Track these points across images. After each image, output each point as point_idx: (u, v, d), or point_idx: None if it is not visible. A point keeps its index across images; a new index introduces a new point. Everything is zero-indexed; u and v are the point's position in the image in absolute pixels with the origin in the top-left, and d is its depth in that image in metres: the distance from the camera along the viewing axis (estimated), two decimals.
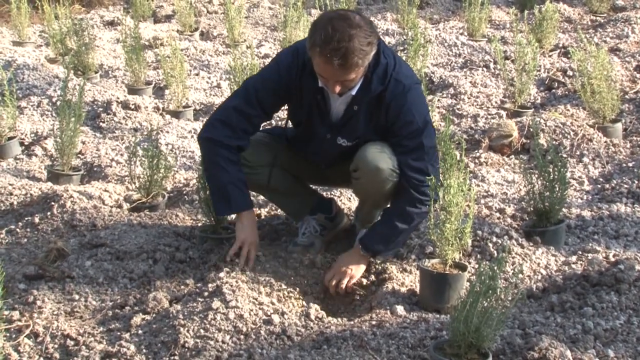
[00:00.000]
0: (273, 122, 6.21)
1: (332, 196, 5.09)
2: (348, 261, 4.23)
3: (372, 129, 4.16)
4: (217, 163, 4.21)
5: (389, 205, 4.30)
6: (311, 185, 4.79)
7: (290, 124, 4.54)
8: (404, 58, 7.68)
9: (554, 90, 7.58)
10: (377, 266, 4.31)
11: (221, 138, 4.18)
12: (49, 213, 4.96)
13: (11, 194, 5.41)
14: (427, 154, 4.09)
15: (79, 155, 6.39)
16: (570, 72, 7.73)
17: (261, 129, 4.47)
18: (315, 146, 4.35)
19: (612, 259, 4.28)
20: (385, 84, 4.04)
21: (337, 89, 3.94)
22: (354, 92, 4.04)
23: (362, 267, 4.24)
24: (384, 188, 4.11)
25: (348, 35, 3.75)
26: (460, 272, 3.90)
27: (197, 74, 8.72)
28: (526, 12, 9.07)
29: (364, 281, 4.26)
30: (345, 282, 4.16)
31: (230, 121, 4.19)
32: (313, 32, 3.86)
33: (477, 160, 6.12)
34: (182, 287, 4.13)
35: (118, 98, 7.49)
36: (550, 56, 8.43)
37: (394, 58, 4.10)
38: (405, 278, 4.20)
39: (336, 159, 4.38)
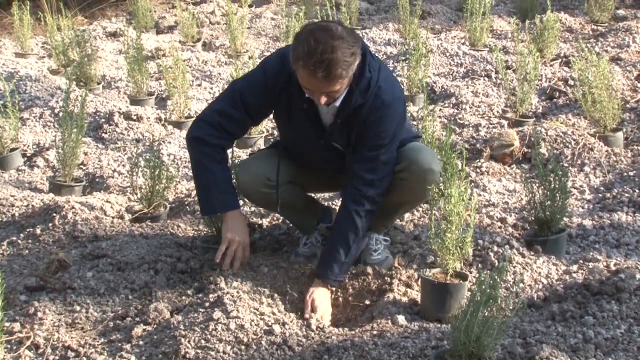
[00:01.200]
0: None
1: (329, 205, 5.09)
2: (319, 299, 4.14)
3: (354, 139, 4.16)
4: (202, 163, 4.23)
5: (339, 217, 4.27)
6: (312, 194, 4.78)
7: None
8: (405, 68, 7.74)
9: (555, 100, 7.58)
10: (378, 277, 4.31)
11: (205, 137, 4.18)
12: (50, 224, 4.97)
13: (13, 205, 5.42)
14: (380, 168, 4.12)
15: (81, 166, 6.41)
16: (571, 82, 7.73)
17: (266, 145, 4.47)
18: (313, 152, 4.33)
19: (613, 268, 4.27)
20: (367, 97, 4.02)
21: (323, 100, 3.92)
22: (337, 104, 4.02)
23: (328, 298, 4.20)
24: (429, 190, 4.09)
25: (331, 47, 3.72)
26: (461, 281, 3.90)
27: (199, 85, 8.74)
28: (527, 21, 9.07)
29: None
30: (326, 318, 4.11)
31: (214, 121, 4.19)
32: (295, 45, 3.83)
33: (478, 170, 6.12)
34: (183, 297, 4.13)
35: (120, 109, 7.51)
36: (551, 65, 8.43)
37: (378, 72, 4.06)
38: (406, 288, 4.20)
39: (339, 164, 4.34)
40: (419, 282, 4.12)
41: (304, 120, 4.18)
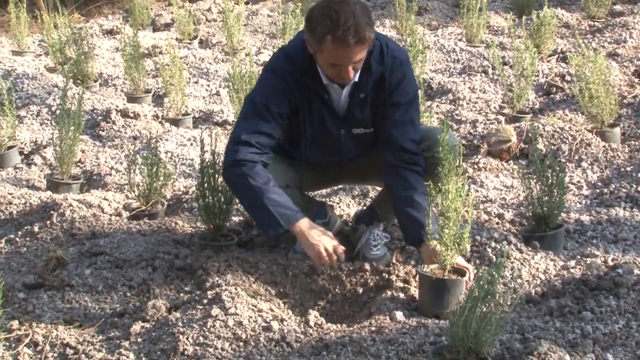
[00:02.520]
0: None
1: (322, 200, 5.09)
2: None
3: (382, 111, 4.21)
4: (249, 186, 4.04)
5: (399, 187, 4.19)
6: (308, 191, 4.78)
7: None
8: None
9: (552, 95, 7.59)
10: (376, 273, 4.32)
11: (245, 157, 4.08)
12: (48, 222, 4.97)
13: (10, 203, 5.41)
14: (415, 127, 4.22)
15: (79, 164, 6.40)
16: (568, 77, 7.74)
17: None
18: (333, 146, 4.33)
19: (611, 263, 4.28)
20: (384, 64, 4.13)
21: (352, 73, 3.99)
22: (356, 78, 4.09)
23: None
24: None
25: (352, 13, 3.83)
26: (459, 277, 3.91)
27: (196, 82, 8.73)
28: (524, 17, 9.09)
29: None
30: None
31: (249, 141, 4.11)
32: (314, 25, 3.90)
33: (476, 166, 6.13)
34: (181, 294, 4.13)
35: (117, 106, 7.50)
36: (548, 61, 8.44)
37: (384, 38, 4.23)
38: (404, 284, 4.20)
39: (355, 153, 4.38)
40: (417, 278, 4.12)
41: (323, 111, 4.21)
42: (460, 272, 3.94)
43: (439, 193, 3.83)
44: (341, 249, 4.08)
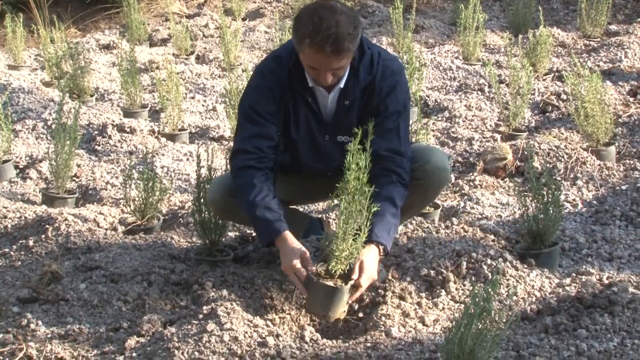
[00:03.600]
0: None
1: (319, 216, 5.09)
2: (374, 264, 3.95)
3: (368, 119, 4.14)
4: (243, 200, 4.07)
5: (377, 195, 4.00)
6: (300, 207, 4.78)
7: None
8: None
9: (548, 114, 7.61)
10: (372, 289, 4.31)
11: (242, 163, 4.11)
12: (43, 236, 4.96)
13: (5, 217, 5.41)
14: (401, 135, 4.17)
15: (74, 178, 6.40)
16: (564, 96, 7.77)
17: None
18: (317, 153, 4.32)
19: (606, 281, 4.28)
20: (374, 72, 4.12)
21: (330, 79, 3.98)
22: (342, 85, 4.09)
23: (376, 261, 4.01)
24: (442, 189, 4.08)
25: (335, 21, 3.82)
26: (342, 284, 3.80)
27: (192, 97, 8.75)
28: (520, 36, 9.10)
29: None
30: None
31: (247, 148, 4.13)
32: (299, 25, 3.91)
33: (471, 183, 6.14)
34: (177, 309, 4.12)
35: (113, 121, 7.51)
36: (544, 80, 8.47)
37: (377, 47, 4.22)
38: (400, 300, 4.19)
39: (341, 161, 4.27)
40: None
41: (308, 115, 4.19)
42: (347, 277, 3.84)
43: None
44: (302, 270, 3.86)
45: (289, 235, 3.98)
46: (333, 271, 3.80)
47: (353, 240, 3.74)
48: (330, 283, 3.81)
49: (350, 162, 3.61)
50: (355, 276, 3.83)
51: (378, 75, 4.14)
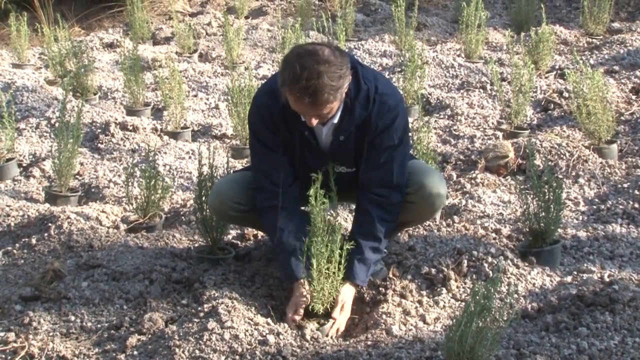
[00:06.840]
0: None
1: None
2: (351, 303, 4.15)
3: (365, 150, 4.14)
4: (270, 236, 4.26)
5: (359, 229, 4.21)
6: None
7: None
8: (401, 79, 7.77)
9: (550, 112, 7.60)
10: (372, 288, 4.32)
11: (263, 204, 4.17)
12: (46, 234, 4.97)
13: (8, 215, 5.43)
14: (396, 170, 4.13)
15: (77, 177, 6.41)
16: (566, 94, 7.76)
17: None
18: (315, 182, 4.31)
19: (607, 280, 4.29)
20: (369, 109, 4.03)
21: (314, 121, 3.92)
22: (335, 120, 4.02)
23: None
24: (436, 212, 4.22)
25: (317, 73, 3.70)
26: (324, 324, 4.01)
27: (195, 95, 8.75)
28: (522, 34, 9.11)
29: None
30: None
31: (262, 185, 4.18)
32: (282, 69, 3.82)
33: (473, 181, 6.14)
34: (178, 307, 4.13)
35: (116, 119, 7.52)
36: (546, 78, 8.46)
37: (374, 81, 4.08)
38: (400, 298, 4.20)
39: (342, 187, 4.25)
40: None
41: (304, 147, 4.16)
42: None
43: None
44: (296, 314, 4.02)
45: (300, 284, 4.05)
46: (314, 311, 3.99)
47: (331, 279, 3.94)
48: (311, 325, 3.97)
49: (315, 205, 3.77)
50: (336, 315, 4.04)
51: (374, 112, 4.05)
